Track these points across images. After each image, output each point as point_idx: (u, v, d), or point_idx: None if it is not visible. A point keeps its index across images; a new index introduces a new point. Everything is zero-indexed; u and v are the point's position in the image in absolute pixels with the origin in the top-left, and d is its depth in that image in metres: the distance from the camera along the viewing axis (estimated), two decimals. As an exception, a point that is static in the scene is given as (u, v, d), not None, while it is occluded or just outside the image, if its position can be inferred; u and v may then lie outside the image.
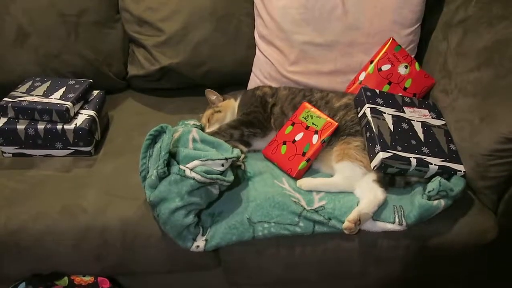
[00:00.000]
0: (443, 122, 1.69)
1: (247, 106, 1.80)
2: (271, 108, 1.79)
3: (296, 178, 1.64)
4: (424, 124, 1.65)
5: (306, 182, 1.60)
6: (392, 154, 1.50)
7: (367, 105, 1.63)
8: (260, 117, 1.76)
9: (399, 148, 1.53)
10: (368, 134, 1.58)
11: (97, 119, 1.84)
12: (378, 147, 1.51)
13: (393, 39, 1.84)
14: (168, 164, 1.52)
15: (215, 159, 1.50)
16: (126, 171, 1.71)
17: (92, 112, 1.84)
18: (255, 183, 1.62)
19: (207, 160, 1.50)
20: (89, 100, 1.91)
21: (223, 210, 1.55)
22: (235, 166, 1.62)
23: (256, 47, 2.05)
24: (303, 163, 1.63)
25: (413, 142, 1.58)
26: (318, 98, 1.77)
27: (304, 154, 1.64)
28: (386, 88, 1.82)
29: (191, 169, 1.47)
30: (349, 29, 1.88)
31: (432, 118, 1.70)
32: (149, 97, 2.20)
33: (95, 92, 1.96)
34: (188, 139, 1.62)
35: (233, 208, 1.55)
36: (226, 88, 2.21)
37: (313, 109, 1.71)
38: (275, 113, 1.78)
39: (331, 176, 1.63)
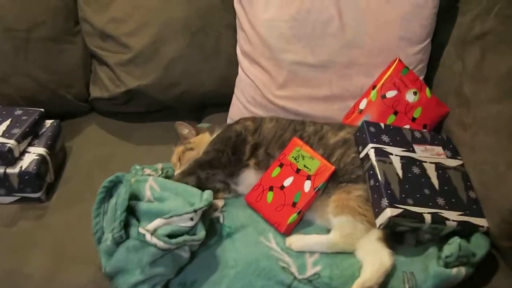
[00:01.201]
0: (460, 162, 1.43)
1: (215, 142, 1.54)
2: (251, 150, 1.51)
3: (285, 233, 1.37)
4: (439, 167, 1.39)
5: (296, 241, 1.34)
6: (402, 210, 1.25)
7: (370, 145, 1.36)
8: (223, 160, 1.49)
9: (410, 201, 1.27)
10: (372, 181, 1.32)
11: (48, 158, 1.57)
12: (385, 201, 1.25)
13: (399, 60, 1.58)
14: (126, 225, 1.26)
15: (182, 214, 1.25)
16: (82, 223, 1.42)
17: (42, 150, 1.57)
18: (235, 241, 1.36)
19: (171, 217, 1.24)
20: (39, 133, 1.64)
21: (196, 279, 1.29)
22: (209, 215, 1.36)
23: (239, 65, 1.77)
24: (293, 216, 1.37)
25: (427, 191, 1.32)
26: (311, 133, 1.50)
27: (294, 204, 1.38)
28: (391, 119, 1.55)
29: (152, 233, 1.21)
30: (347, 46, 1.61)
31: (447, 157, 1.44)
32: (115, 122, 1.93)
33: (48, 123, 1.69)
34: (144, 188, 1.37)
35: (208, 276, 1.29)
36: (206, 109, 1.94)
37: (305, 148, 1.44)
38: (259, 155, 1.51)
39: (327, 230, 1.37)
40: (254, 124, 1.58)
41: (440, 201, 1.31)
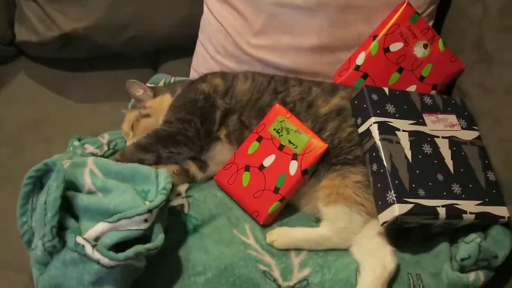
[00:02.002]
0: (477, 134, 1.20)
1: (178, 109, 1.24)
2: (222, 118, 1.22)
3: (265, 224, 1.13)
4: (453, 142, 1.16)
5: (280, 238, 1.11)
6: (413, 205, 1.02)
7: (373, 119, 1.10)
8: (191, 133, 1.21)
9: (421, 192, 1.04)
10: (375, 166, 1.07)
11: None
12: (392, 195, 1.02)
13: (408, 3, 1.27)
14: (62, 227, 0.98)
15: (132, 216, 0.97)
16: (10, 214, 1.11)
17: None
18: (204, 237, 1.11)
19: (118, 220, 0.97)
20: None
21: (156, 289, 1.04)
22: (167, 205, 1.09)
23: (204, 3, 1.42)
24: (275, 205, 1.12)
25: (440, 177, 1.09)
26: (297, 97, 1.22)
27: (276, 190, 1.13)
28: (395, 77, 1.28)
29: (93, 244, 0.94)
30: (343, -17, 1.29)
31: (463, 128, 1.19)
32: (49, 70, 1.59)
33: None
34: (83, 174, 1.08)
35: (172, 285, 1.05)
36: (164, 54, 1.60)
37: (290, 118, 1.16)
38: (230, 124, 1.23)
39: (315, 219, 1.14)
40: (225, 83, 1.28)
41: (456, 188, 1.08)
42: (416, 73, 1.28)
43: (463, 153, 1.14)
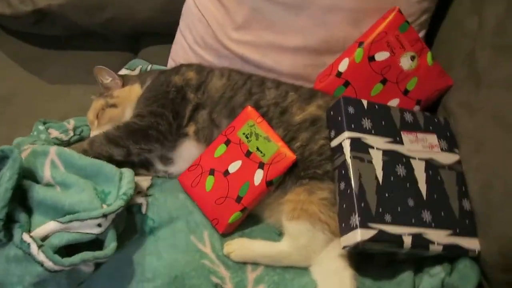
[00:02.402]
0: (457, 158, 1.14)
1: (149, 101, 1.18)
2: (192, 112, 1.17)
3: (224, 233, 1.08)
4: (430, 165, 1.10)
5: (238, 250, 1.06)
6: (376, 232, 0.97)
7: (346, 134, 1.05)
8: (163, 127, 1.15)
9: (388, 217, 0.99)
10: (342, 185, 1.02)
11: None
12: (356, 219, 0.97)
13: (399, 10, 1.20)
14: (10, 219, 0.95)
15: (85, 219, 0.93)
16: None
17: None
18: (159, 240, 1.06)
19: (70, 222, 0.92)
20: None
21: (99, 293, 1.00)
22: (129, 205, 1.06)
23: (187, -10, 1.36)
24: (236, 215, 1.08)
25: (411, 202, 1.03)
26: (271, 101, 1.16)
27: (239, 199, 1.08)
28: (377, 88, 1.21)
29: (40, 244, 0.89)
30: (332, -18, 1.21)
31: (442, 150, 1.13)
32: (24, 46, 1.53)
33: None
34: (43, 164, 1.04)
35: (118, 289, 1.00)
36: (143, 38, 1.53)
37: (261, 123, 1.10)
38: (200, 120, 1.17)
39: (279, 234, 1.10)
40: (199, 77, 1.22)
41: (426, 215, 1.03)
42: (401, 86, 1.21)
43: (439, 178, 1.09)
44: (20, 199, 1.02)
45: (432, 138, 1.14)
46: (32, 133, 1.21)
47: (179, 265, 1.03)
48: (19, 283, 0.92)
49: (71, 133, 1.23)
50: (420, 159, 1.09)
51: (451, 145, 1.15)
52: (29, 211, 1.01)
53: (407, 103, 1.22)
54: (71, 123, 1.24)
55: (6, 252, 0.93)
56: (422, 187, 1.06)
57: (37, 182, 1.05)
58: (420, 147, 1.11)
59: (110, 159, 1.13)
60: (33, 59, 1.48)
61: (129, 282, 1.01)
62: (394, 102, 1.21)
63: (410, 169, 1.07)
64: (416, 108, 1.23)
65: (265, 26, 1.26)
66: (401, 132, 1.11)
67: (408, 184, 1.05)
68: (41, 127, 1.19)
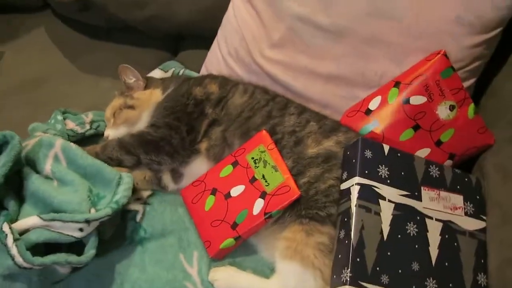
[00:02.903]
0: (482, 225, 1.03)
1: (167, 112, 1.15)
2: (207, 127, 1.13)
3: (214, 258, 1.04)
4: (447, 228, 1.00)
5: (224, 279, 1.02)
6: (367, 293, 0.88)
7: (357, 179, 0.97)
8: (175, 141, 1.13)
9: (384, 279, 0.91)
10: (342, 233, 0.95)
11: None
12: (347, 274, 0.89)
13: (444, 53, 1.10)
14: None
15: (68, 221, 0.92)
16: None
17: None
18: (146, 253, 1.04)
19: (52, 220, 0.91)
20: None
21: (75, 294, 0.99)
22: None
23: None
24: (228, 241, 1.03)
25: (415, 266, 0.94)
26: (288, 129, 1.10)
27: (235, 226, 1.03)
28: (408, 134, 1.12)
29: (16, 238, 0.89)
30: (377, 14, 1.14)
31: (466, 214, 1.03)
32: (69, 31, 1.56)
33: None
34: (46, 156, 1.04)
35: (92, 296, 0.98)
36: (185, 41, 1.52)
37: (272, 151, 1.05)
38: (213, 137, 1.13)
39: (270, 269, 1.04)
40: (220, 92, 1.18)
41: (431, 284, 0.94)
42: (434, 135, 1.11)
43: (455, 244, 0.99)
44: (16, 186, 1.02)
45: (457, 199, 1.03)
46: (49, 121, 1.22)
47: (160, 282, 1.00)
48: (-9, 270, 0.92)
49: (87, 127, 1.23)
50: (437, 220, 0.99)
51: (478, 210, 1.04)
52: (21, 200, 1.01)
53: (439, 156, 1.12)
54: (89, 117, 1.24)
55: (-14, 238, 0.93)
56: (433, 251, 0.97)
57: (38, 172, 1.05)
58: (441, 206, 1.01)
59: (120, 166, 1.13)
60: (72, 44, 1.50)
61: (108, 289, 0.99)
62: (423, 152, 1.12)
63: (423, 229, 0.98)
64: (448, 162, 1.13)
65: (301, 48, 1.20)
66: (422, 187, 1.01)
67: (417, 246, 0.96)
68: (59, 117, 1.19)
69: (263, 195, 1.03)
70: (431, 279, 0.94)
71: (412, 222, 0.97)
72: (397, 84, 1.12)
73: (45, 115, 1.23)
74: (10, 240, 0.88)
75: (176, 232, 1.08)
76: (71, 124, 1.21)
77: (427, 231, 0.98)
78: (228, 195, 1.06)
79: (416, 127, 1.11)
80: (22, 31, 1.52)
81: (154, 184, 1.15)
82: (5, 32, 1.47)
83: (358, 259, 0.90)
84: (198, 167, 1.15)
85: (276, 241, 1.02)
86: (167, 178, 1.17)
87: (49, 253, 0.92)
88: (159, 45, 1.52)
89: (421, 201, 1.00)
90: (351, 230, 0.92)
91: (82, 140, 1.22)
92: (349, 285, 0.88)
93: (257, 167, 1.06)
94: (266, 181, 1.04)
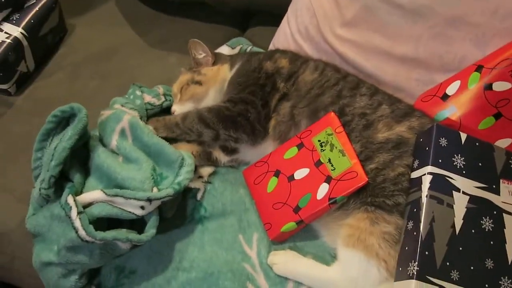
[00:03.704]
0: None
1: (241, 87, 1.14)
2: (277, 101, 1.12)
3: (274, 241, 1.03)
4: (527, 226, 0.93)
5: (283, 263, 1.01)
6: (435, 288, 0.85)
7: (429, 168, 0.93)
8: (252, 115, 1.11)
9: (455, 275, 0.87)
10: (411, 224, 0.91)
11: (25, 42, 1.28)
12: (414, 267, 0.86)
13: (536, 36, 1.02)
14: (64, 176, 0.98)
15: (129, 198, 0.93)
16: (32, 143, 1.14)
17: (17, 31, 1.26)
18: (206, 231, 1.05)
19: (115, 196, 0.93)
20: (25, 5, 1.31)
21: (137, 269, 1.04)
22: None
23: (303, -27, 1.29)
24: (290, 225, 1.02)
25: (490, 264, 0.90)
26: (359, 110, 1.06)
27: (297, 209, 1.02)
28: (488, 122, 1.05)
29: (80, 211, 0.92)
30: (461, -8, 1.07)
31: (550, 211, 0.96)
32: (138, 4, 1.57)
33: (42, -8, 1.35)
34: (113, 130, 1.07)
35: (152, 271, 1.03)
36: (253, 18, 1.50)
37: (341, 133, 1.02)
38: (281, 112, 1.11)
39: (332, 255, 1.02)
40: (291, 67, 1.17)
41: (506, 284, 0.89)
42: (517, 125, 1.04)
43: (535, 243, 0.93)
44: (83, 159, 1.06)
45: (541, 195, 0.97)
46: (128, 96, 1.23)
47: (219, 262, 1.01)
48: (55, 242, 0.96)
49: (163, 98, 1.23)
50: (516, 215, 0.94)
51: None
52: (87, 173, 1.05)
53: (520, 150, 1.05)
54: (160, 89, 1.25)
55: (52, 209, 0.97)
56: (510, 249, 0.91)
57: (105, 145, 1.08)
58: (521, 201, 0.95)
59: (199, 138, 1.14)
60: (143, 19, 1.52)
61: (165, 267, 1.01)
62: (504, 143, 1.05)
63: (500, 224, 0.92)
64: (531, 155, 1.06)
65: (375, 27, 1.16)
66: (500, 180, 0.95)
67: (492, 242, 0.91)
68: (138, 92, 1.21)
69: (328, 179, 1.01)
70: (506, 278, 0.89)
71: (488, 217, 0.92)
72: (479, 68, 1.05)
73: (114, 87, 1.26)
74: (74, 213, 0.91)
75: (236, 212, 1.08)
76: (147, 97, 1.22)
77: (504, 227, 0.92)
78: (291, 178, 1.05)
79: (497, 115, 1.05)
80: (93, 4, 1.56)
81: (203, 159, 1.15)
82: (76, 5, 1.51)
83: (426, 253, 0.87)
84: (262, 145, 1.14)
85: (339, 227, 1.00)
86: (217, 153, 1.16)
87: (111, 228, 0.95)
88: (228, 21, 1.52)
89: (499, 195, 0.94)
90: (420, 222, 0.89)
91: (160, 113, 1.23)
92: (416, 279, 0.85)
93: (323, 150, 1.04)
94: (332, 165, 1.01)
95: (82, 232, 0.90)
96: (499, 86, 1.04)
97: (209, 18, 1.52)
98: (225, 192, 1.10)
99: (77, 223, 0.90)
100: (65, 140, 0.97)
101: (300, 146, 1.07)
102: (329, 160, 1.02)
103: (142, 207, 0.95)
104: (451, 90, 1.08)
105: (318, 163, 1.03)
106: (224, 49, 1.40)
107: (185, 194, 1.08)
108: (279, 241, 1.05)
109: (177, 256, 1.02)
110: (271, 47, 1.37)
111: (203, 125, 1.11)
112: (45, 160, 1.00)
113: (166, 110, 1.23)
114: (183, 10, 1.54)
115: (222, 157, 1.16)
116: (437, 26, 1.10)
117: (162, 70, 1.37)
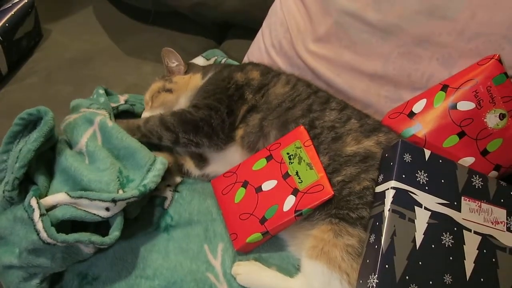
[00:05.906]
0: (525, 242, 0.98)
1: (208, 94, 1.16)
2: (245, 112, 1.13)
3: (240, 252, 1.04)
4: (486, 243, 0.96)
5: (247, 273, 1.01)
6: (393, 302, 0.86)
7: (393, 183, 0.95)
8: (215, 122, 1.13)
9: (413, 289, 0.88)
10: (372, 237, 0.93)
11: (-2, 47, 1.27)
12: (373, 280, 0.88)
13: (498, 58, 1.05)
14: (29, 179, 0.98)
15: (94, 199, 0.93)
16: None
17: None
18: (171, 240, 1.05)
19: (80, 198, 0.93)
20: (0, 9, 1.31)
21: (100, 274, 1.02)
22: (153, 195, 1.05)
23: (278, -11, 1.32)
24: (256, 236, 1.02)
25: (448, 279, 0.91)
26: (328, 124, 1.08)
27: (263, 220, 1.03)
28: (452, 141, 1.08)
29: (42, 213, 0.91)
30: (430, 13, 1.11)
31: (509, 230, 0.99)
32: (115, 13, 1.59)
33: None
34: (85, 131, 1.08)
35: (115, 278, 1.01)
36: (231, 30, 1.52)
37: (309, 147, 1.04)
38: (250, 123, 1.13)
39: (296, 267, 1.03)
40: (262, 79, 1.18)
41: (462, 299, 0.90)
42: (480, 144, 1.07)
43: (493, 260, 0.95)
44: (48, 162, 1.05)
45: (500, 213, 0.99)
46: (92, 96, 1.24)
47: (182, 271, 1.00)
48: (17, 244, 0.95)
49: (122, 102, 1.23)
50: (476, 233, 0.96)
51: (522, 225, 1.00)
52: (52, 176, 1.04)
53: (483, 166, 1.07)
54: (124, 96, 1.26)
55: (15, 211, 0.96)
56: (469, 265, 0.93)
57: (72, 147, 1.08)
58: (481, 219, 0.97)
59: (160, 142, 1.14)
60: (119, 27, 1.53)
61: (128, 274, 1.00)
62: (467, 161, 1.08)
63: (459, 241, 0.94)
64: (493, 174, 1.09)
65: (346, 44, 1.18)
66: (462, 197, 0.98)
67: (451, 258, 0.93)
68: (101, 91, 1.21)
69: (295, 192, 1.02)
70: (463, 294, 0.91)
71: (448, 233, 0.94)
72: (444, 87, 1.09)
73: (88, 94, 1.26)
74: (36, 215, 0.91)
75: (202, 222, 1.08)
76: (121, 100, 1.23)
77: (464, 244, 0.94)
78: (259, 189, 1.06)
79: (461, 134, 1.08)
80: (70, 10, 1.56)
81: (174, 171, 1.15)
82: (53, 11, 1.51)
83: (387, 266, 0.88)
84: (230, 154, 1.16)
85: (304, 237, 1.01)
86: (189, 165, 1.17)
87: (75, 232, 0.95)
88: (204, 32, 1.54)
89: (460, 211, 0.96)
90: (382, 235, 0.90)
91: (117, 116, 1.23)
92: (375, 291, 0.86)
93: (292, 163, 1.05)
94: (299, 178, 1.03)
95: (43, 234, 0.89)
96: (464, 105, 1.07)
97: (186, 28, 1.53)
98: (192, 202, 1.11)
99: (39, 225, 0.89)
100: (30, 142, 0.97)
101: (269, 158, 1.08)
102: (297, 172, 1.04)
103: (107, 209, 0.94)
104: (417, 108, 1.10)
105: (286, 175, 1.05)
106: (199, 60, 1.42)
107: (152, 202, 1.08)
108: (245, 251, 1.05)
109: (141, 264, 1.01)
110: (246, 60, 1.39)
111: (163, 128, 1.11)
112: (10, 163, 1.00)
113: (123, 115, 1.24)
114: (160, 19, 1.55)
115: (193, 170, 1.17)
116: (406, 45, 1.14)
117: (137, 78, 1.38)
